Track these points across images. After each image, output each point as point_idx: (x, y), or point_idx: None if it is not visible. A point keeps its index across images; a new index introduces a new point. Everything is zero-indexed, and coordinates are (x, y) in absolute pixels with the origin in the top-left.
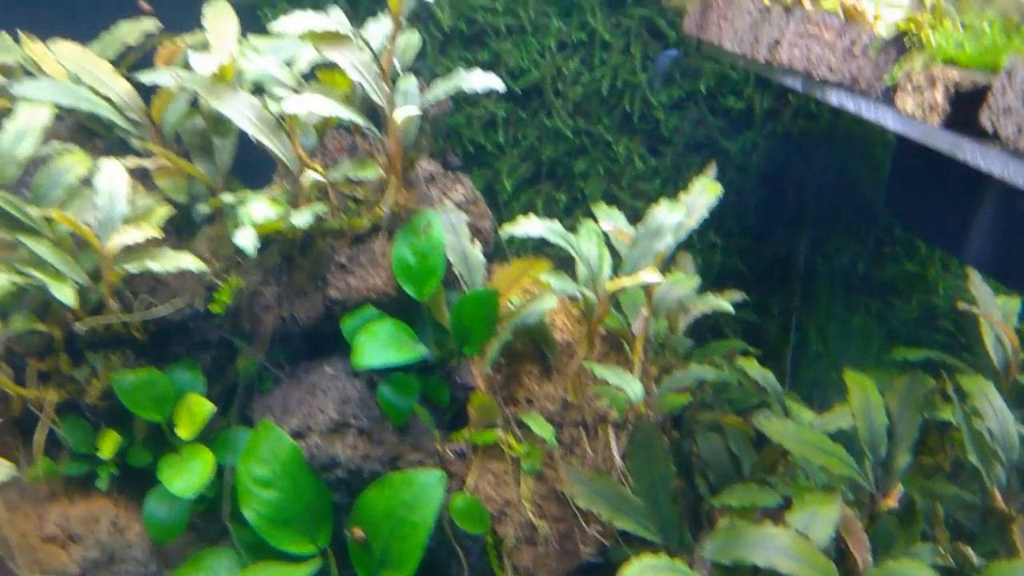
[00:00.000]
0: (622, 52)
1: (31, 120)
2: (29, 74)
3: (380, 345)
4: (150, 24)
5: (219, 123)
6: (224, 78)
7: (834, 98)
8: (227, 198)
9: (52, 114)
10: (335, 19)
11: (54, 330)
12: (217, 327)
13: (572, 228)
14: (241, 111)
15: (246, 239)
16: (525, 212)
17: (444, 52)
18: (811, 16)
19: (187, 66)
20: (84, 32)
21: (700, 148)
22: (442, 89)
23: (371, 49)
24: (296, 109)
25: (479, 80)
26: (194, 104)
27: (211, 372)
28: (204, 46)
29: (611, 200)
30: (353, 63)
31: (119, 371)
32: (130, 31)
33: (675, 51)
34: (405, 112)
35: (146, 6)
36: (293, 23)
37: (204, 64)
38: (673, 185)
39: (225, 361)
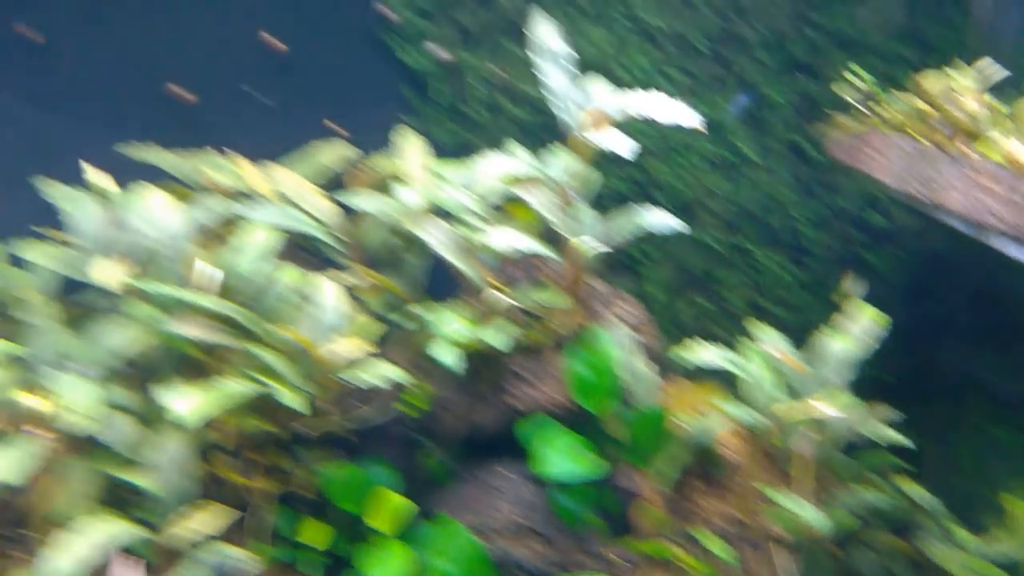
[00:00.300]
0: (767, 171)
1: (261, 241)
2: (243, 195)
3: (561, 456)
4: (348, 150)
5: (412, 243)
6: (424, 208)
7: (998, 244)
8: (420, 311)
9: (280, 237)
10: (525, 161)
11: (276, 429)
12: (404, 425)
13: (721, 338)
14: (438, 237)
15: (449, 355)
16: (674, 320)
17: (603, 170)
18: (977, 165)
19: (382, 188)
20: (270, 151)
21: (844, 261)
22: (623, 226)
23: (556, 185)
24: (501, 244)
25: (659, 218)
26: (389, 225)
27: (396, 466)
28: (396, 174)
29: (755, 308)
30: (541, 200)
31: (324, 465)
32: (329, 155)
33: (747, 97)
34: (589, 244)
35: (342, 132)
36: (490, 166)
37: (409, 197)
38: (817, 296)
39: (408, 456)
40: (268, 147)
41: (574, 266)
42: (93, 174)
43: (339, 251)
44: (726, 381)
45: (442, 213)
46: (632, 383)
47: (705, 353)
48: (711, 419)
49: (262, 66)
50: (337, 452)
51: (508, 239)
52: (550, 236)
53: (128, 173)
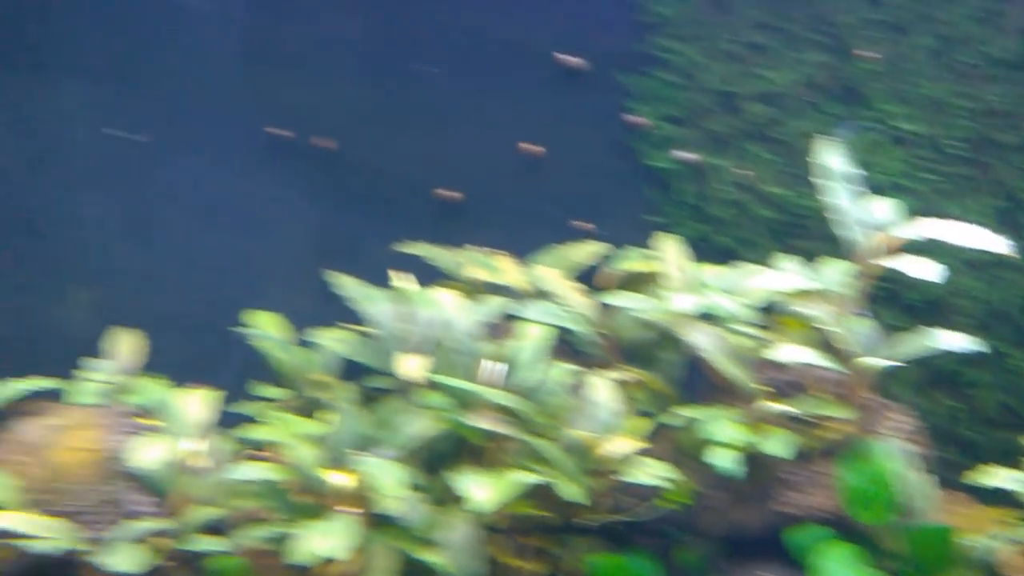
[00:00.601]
0: (1021, 271)
1: (537, 338)
2: (500, 288)
3: (842, 568)
4: (596, 247)
5: (669, 340)
6: (691, 312)
7: None
8: (688, 412)
9: (552, 334)
10: (801, 275)
11: (550, 515)
12: (662, 518)
13: (972, 440)
14: (705, 341)
15: (727, 461)
16: (927, 422)
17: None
18: None
19: (629, 285)
20: (522, 247)
21: None
22: (914, 346)
23: (836, 299)
24: (788, 359)
25: (954, 340)
26: (646, 323)
27: (654, 558)
28: (654, 274)
29: (1008, 411)
30: (821, 314)
31: (590, 554)
32: (580, 252)
33: (855, 123)
34: (875, 361)
35: (588, 225)
36: (766, 281)
37: (682, 303)
38: None
39: (664, 549)
40: (520, 244)
41: (856, 379)
42: (395, 275)
43: (597, 347)
44: (998, 497)
45: (702, 315)
46: (911, 497)
47: (1000, 477)
48: (996, 540)
49: (518, 170)
50: (599, 540)
51: (794, 354)
52: (826, 346)
53: (394, 265)
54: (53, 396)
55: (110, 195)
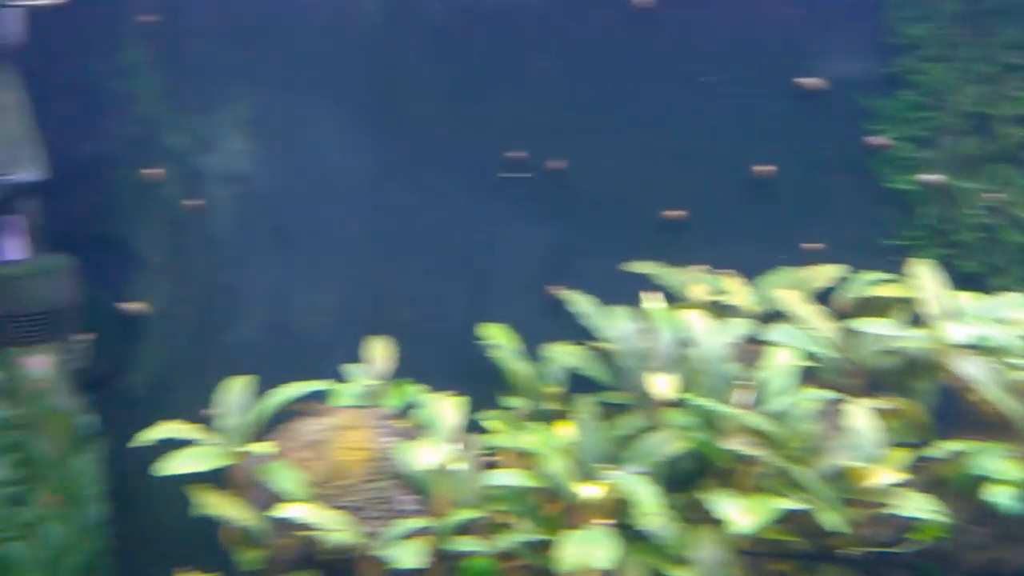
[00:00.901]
0: None
1: (789, 362)
2: (722, 308)
3: None
4: (837, 270)
5: (924, 369)
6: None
7: None
8: (953, 445)
9: (802, 357)
10: None
11: (800, 542)
12: (915, 553)
13: None
14: (981, 374)
15: (1008, 498)
16: None
17: None
18: None
19: (865, 308)
20: (748, 269)
21: None
22: None
23: None
24: None
25: None
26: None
27: None
28: (896, 299)
29: None
30: None
31: None
32: (819, 275)
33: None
34: None
35: (818, 246)
36: None
37: (955, 333)
38: None
39: None
40: (749, 264)
41: None
42: (647, 299)
43: (843, 373)
44: None
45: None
46: None
47: None
48: None
49: (749, 190)
50: (847, 570)
51: None
52: None
53: (614, 282)
54: (317, 398)
55: (362, 216)
